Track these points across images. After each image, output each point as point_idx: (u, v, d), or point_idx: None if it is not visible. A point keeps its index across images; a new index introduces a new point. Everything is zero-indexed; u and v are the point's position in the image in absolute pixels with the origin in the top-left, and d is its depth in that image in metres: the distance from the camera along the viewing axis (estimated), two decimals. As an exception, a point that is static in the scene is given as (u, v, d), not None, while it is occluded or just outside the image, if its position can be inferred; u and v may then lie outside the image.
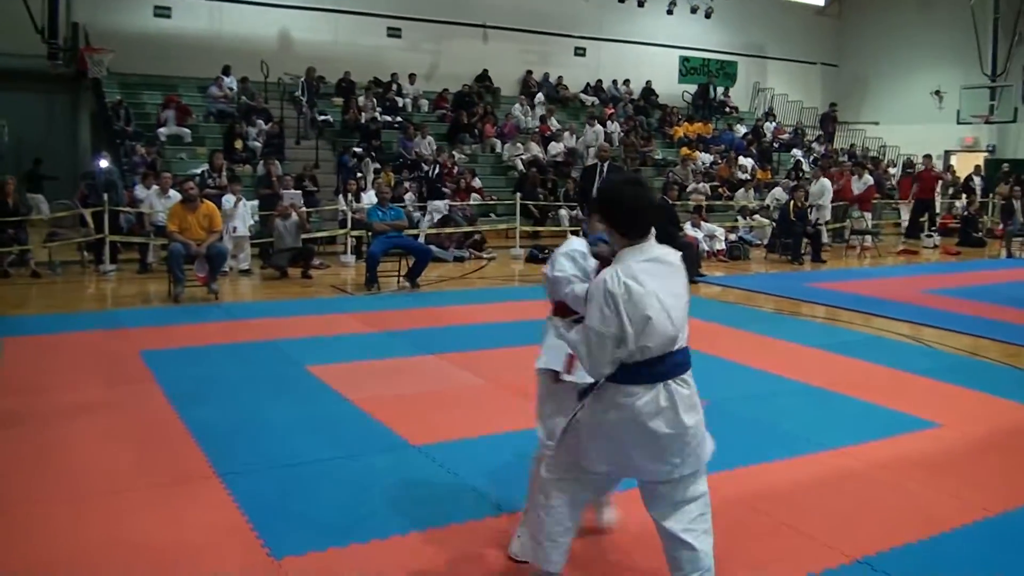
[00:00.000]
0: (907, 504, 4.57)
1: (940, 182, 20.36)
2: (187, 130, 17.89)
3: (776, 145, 24.91)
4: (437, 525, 4.14)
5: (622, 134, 22.35)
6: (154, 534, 4.04)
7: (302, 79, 19.51)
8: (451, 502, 4.44)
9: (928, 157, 20.83)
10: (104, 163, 13.48)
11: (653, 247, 3.22)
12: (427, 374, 7.10)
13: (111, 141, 16.98)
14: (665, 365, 3.12)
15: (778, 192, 18.47)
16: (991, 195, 22.21)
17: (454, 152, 19.20)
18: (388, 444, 5.33)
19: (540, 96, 23.15)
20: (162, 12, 20.00)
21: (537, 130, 21.29)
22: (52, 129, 20.37)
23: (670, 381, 3.13)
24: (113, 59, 17.75)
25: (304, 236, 13.00)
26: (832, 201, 17.74)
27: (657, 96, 25.92)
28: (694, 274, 12.66)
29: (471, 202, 16.77)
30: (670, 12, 24.54)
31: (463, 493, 4.58)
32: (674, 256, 3.27)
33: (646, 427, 3.12)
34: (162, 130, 17.56)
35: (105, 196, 12.50)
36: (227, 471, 4.80)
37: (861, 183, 18.54)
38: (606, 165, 12.00)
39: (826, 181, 17.58)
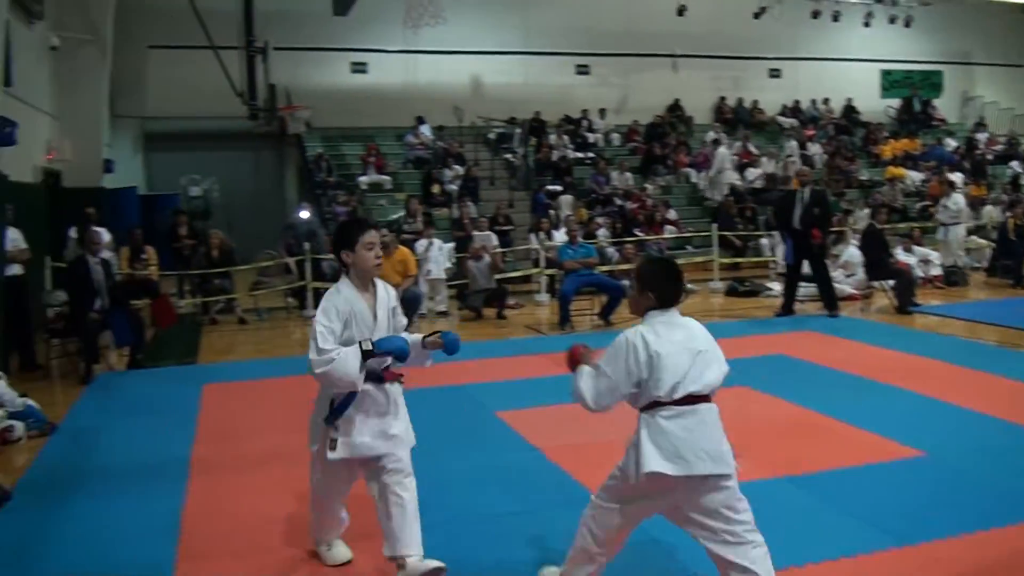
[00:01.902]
0: None
1: None
2: (387, 177, 18.48)
3: (990, 158, 23.06)
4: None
5: (826, 156, 21.33)
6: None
7: (517, 130, 19.76)
8: (647, 570, 4.10)
9: None
10: (305, 214, 14.02)
11: None
12: (620, 420, 6.69)
13: (314, 192, 17.76)
14: None
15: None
16: None
17: (647, 185, 18.88)
18: (573, 498, 4.99)
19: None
20: (359, 68, 20.94)
21: (737, 156, 20.61)
22: (259, 184, 21.62)
23: None
24: (314, 115, 18.64)
25: (497, 276, 13.01)
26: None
27: (859, 113, 24.65)
28: (908, 303, 11.73)
29: (665, 235, 16.35)
30: (867, 24, 23.20)
31: (657, 559, 4.21)
32: None
33: None
34: (363, 179, 18.21)
35: (307, 245, 12.96)
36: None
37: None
38: (807, 190, 11.33)
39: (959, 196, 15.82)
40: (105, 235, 11.09)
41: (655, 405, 3.44)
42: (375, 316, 4.01)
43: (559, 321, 11.30)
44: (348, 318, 3.90)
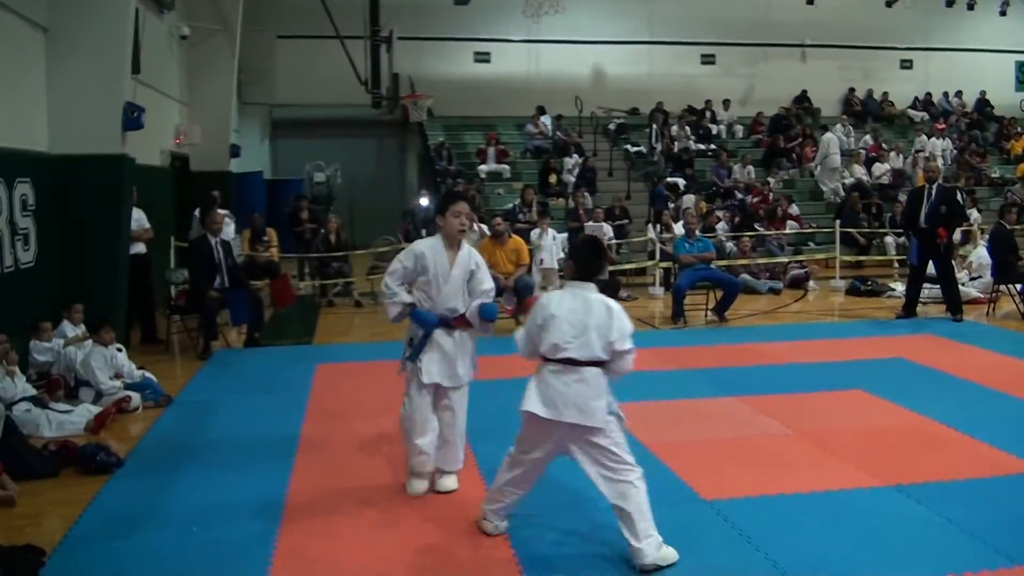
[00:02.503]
0: None
1: None
2: (506, 167, 18.55)
3: None
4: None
5: (955, 152, 20.43)
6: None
7: (653, 125, 19.59)
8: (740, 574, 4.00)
9: None
10: (425, 201, 14.20)
11: None
12: (727, 419, 6.63)
13: (435, 180, 17.99)
14: None
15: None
16: None
17: (769, 178, 18.43)
18: (677, 496, 4.96)
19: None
20: (482, 58, 21.22)
21: (864, 150, 19.90)
22: (381, 170, 22.06)
23: None
24: (436, 103, 18.82)
25: (611, 268, 12.89)
26: None
27: (992, 107, 23.46)
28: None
29: (786, 230, 15.93)
30: (1003, 13, 21.97)
31: (752, 563, 4.12)
32: None
33: None
34: (482, 167, 18.32)
35: (424, 231, 13.14)
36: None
37: None
38: (934, 187, 10.85)
39: None
40: (228, 217, 11.46)
41: (545, 359, 4.10)
42: (451, 270, 4.91)
43: (672, 315, 11.12)
44: (426, 265, 4.89)
